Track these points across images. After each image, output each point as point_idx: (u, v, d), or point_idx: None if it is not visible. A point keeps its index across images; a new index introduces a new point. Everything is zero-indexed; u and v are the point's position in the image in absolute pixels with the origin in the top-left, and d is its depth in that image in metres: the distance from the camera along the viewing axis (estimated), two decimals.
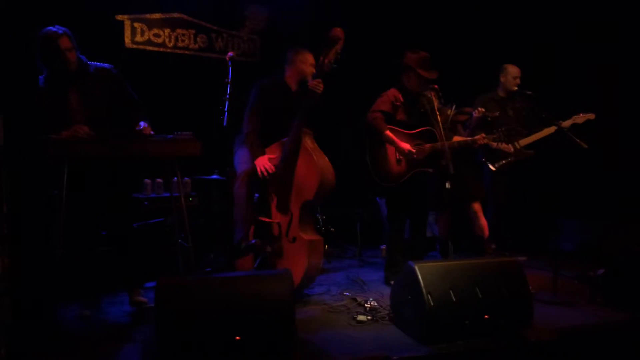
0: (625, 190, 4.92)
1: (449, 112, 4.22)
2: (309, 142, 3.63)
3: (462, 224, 4.64)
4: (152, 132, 3.26)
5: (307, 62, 3.77)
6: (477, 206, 4.52)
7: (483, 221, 4.51)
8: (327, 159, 3.65)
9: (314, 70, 3.61)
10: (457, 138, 4.14)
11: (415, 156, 3.85)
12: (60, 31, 3.17)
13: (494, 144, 4.43)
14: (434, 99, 3.83)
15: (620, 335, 3.06)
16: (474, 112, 4.34)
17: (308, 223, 3.71)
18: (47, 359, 2.63)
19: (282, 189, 3.62)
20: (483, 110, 4.29)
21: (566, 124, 4.33)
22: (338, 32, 3.40)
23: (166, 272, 3.87)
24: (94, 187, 3.31)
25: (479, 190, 4.53)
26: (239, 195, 3.59)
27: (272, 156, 3.65)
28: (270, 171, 3.56)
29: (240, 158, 3.79)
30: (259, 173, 3.56)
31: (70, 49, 3.19)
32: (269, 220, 3.62)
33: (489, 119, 4.32)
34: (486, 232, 4.51)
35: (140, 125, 3.24)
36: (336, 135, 5.56)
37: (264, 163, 3.58)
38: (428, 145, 3.90)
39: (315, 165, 3.52)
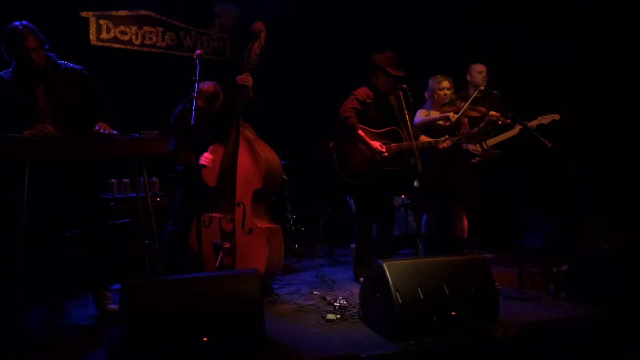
0: (589, 187, 5.05)
1: (462, 104, 4.32)
2: (249, 134, 3.71)
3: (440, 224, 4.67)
4: (110, 132, 3.15)
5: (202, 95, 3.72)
6: (461, 208, 4.54)
7: (465, 223, 4.54)
8: (269, 147, 3.71)
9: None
10: (424, 138, 4.18)
11: (385, 154, 3.89)
12: (26, 29, 3.01)
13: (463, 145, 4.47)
14: (402, 98, 3.86)
15: (583, 329, 3.14)
16: (489, 114, 4.35)
17: (263, 212, 3.73)
18: None
19: (230, 183, 3.64)
20: (498, 114, 4.31)
21: (532, 124, 4.39)
22: (259, 25, 3.62)
23: (133, 274, 3.81)
24: (58, 188, 3.22)
25: (467, 193, 4.51)
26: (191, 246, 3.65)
27: (211, 156, 3.71)
28: (211, 161, 3.67)
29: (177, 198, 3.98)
30: (207, 164, 3.66)
31: (35, 48, 3.04)
32: (222, 216, 3.62)
33: (500, 122, 4.33)
34: (466, 234, 4.55)
35: (96, 127, 3.13)
36: (306, 134, 5.55)
37: (206, 156, 3.67)
38: (394, 144, 3.94)
39: (258, 153, 3.59)
